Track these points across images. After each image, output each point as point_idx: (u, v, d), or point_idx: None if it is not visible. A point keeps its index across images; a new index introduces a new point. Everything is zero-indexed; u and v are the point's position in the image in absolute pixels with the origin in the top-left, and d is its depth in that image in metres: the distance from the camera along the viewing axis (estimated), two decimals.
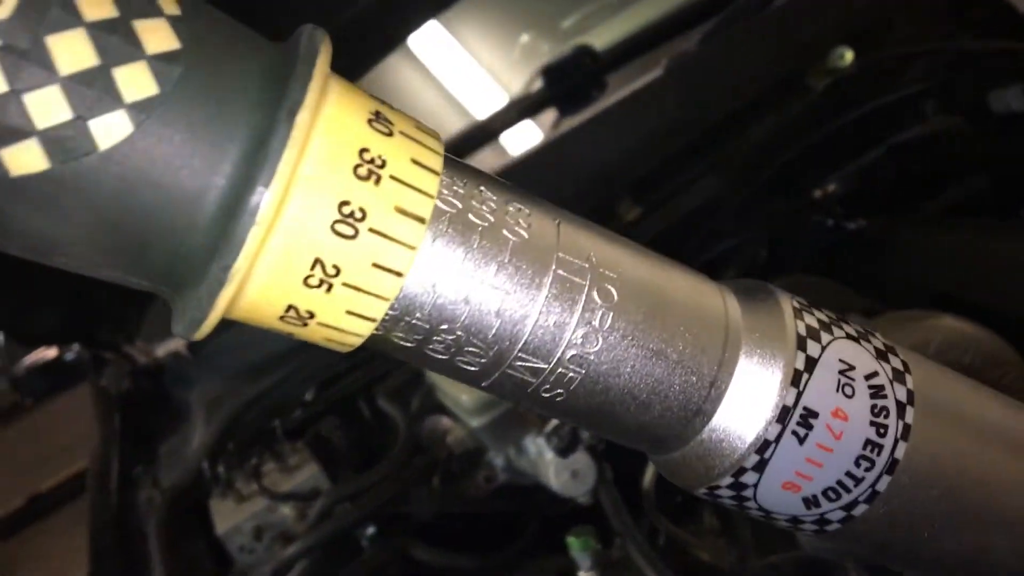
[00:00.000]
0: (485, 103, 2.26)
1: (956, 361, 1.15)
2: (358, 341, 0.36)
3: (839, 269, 1.45)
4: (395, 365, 1.45)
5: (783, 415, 0.40)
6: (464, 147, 1.80)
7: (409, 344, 0.37)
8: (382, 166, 0.34)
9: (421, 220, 0.34)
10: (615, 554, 1.23)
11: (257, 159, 0.31)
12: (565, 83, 1.70)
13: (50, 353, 1.56)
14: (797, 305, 0.42)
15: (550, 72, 1.70)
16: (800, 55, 1.55)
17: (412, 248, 0.34)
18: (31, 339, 1.45)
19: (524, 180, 1.38)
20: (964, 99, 1.54)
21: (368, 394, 1.46)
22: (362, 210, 0.33)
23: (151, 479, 1.45)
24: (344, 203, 0.33)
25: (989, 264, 1.33)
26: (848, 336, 0.42)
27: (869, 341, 0.43)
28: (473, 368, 0.38)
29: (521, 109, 1.77)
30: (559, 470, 1.26)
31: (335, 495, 1.34)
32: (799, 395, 0.40)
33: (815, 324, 0.42)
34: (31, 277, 1.40)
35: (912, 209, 1.53)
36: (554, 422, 1.27)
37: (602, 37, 1.86)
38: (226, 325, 0.36)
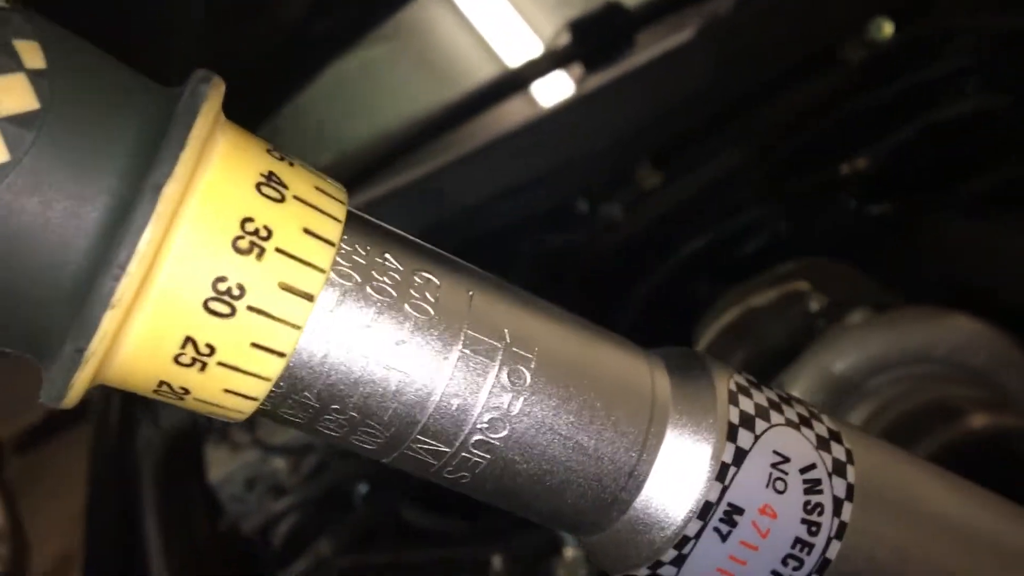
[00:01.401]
0: (517, 49, 2.20)
1: (967, 362, 1.12)
2: (242, 416, 0.33)
3: (862, 253, 1.40)
4: None
5: (705, 511, 0.37)
6: (492, 95, 1.75)
7: (300, 420, 0.34)
8: (267, 237, 0.30)
9: (309, 298, 0.31)
10: None
11: (117, 236, 0.28)
12: (592, 39, 1.64)
13: None
14: (734, 387, 0.39)
15: (578, 27, 1.65)
16: (838, 25, 1.49)
17: (297, 328, 0.31)
18: None
19: (544, 139, 1.35)
20: (1009, 78, 1.47)
21: None
22: (240, 287, 0.30)
23: (151, 419, 1.45)
24: (220, 279, 0.30)
25: (1017, 262, 1.28)
26: (788, 423, 0.39)
27: (812, 427, 0.39)
28: (370, 447, 0.35)
29: (549, 62, 1.72)
30: None
31: (329, 450, 1.33)
32: (724, 490, 0.37)
33: (751, 410, 0.38)
34: None
35: (944, 195, 1.47)
36: None
37: None
38: None
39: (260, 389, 0.32)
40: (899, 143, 1.44)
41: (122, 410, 1.46)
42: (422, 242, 0.36)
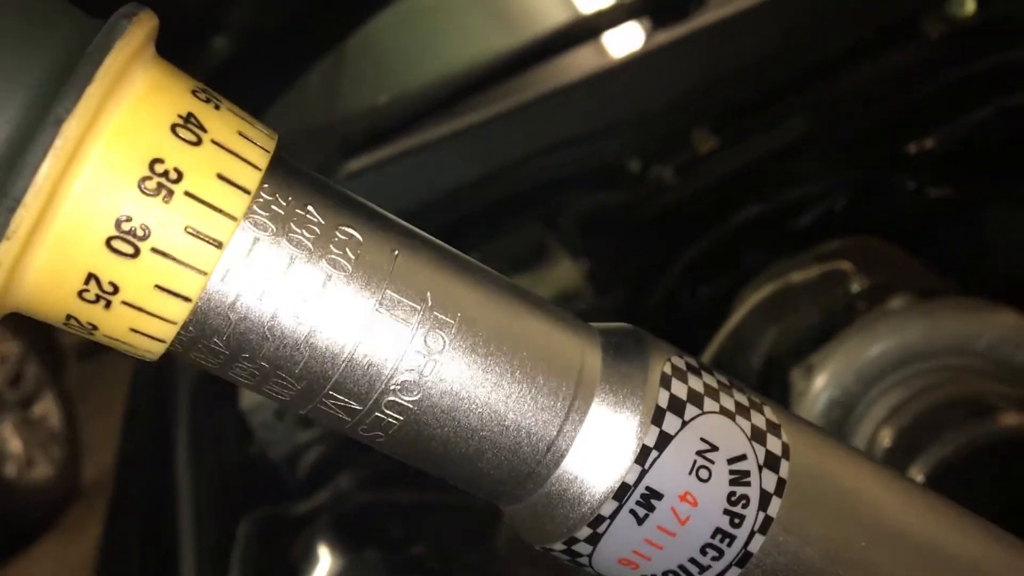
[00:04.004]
0: None
1: (1009, 359, 1.08)
2: (153, 356, 0.33)
3: (916, 238, 1.36)
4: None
5: (621, 492, 0.36)
6: (560, 43, 1.71)
7: (211, 365, 0.34)
8: (177, 180, 0.30)
9: (218, 244, 0.31)
10: None
11: (16, 169, 0.28)
12: None
13: None
14: (669, 370, 0.38)
15: None
16: None
17: (203, 273, 0.31)
18: None
19: (607, 92, 1.32)
20: None
21: None
22: (145, 227, 0.30)
23: None
24: (124, 219, 0.29)
25: None
26: (723, 411, 0.38)
27: (749, 417, 0.38)
28: (283, 397, 0.35)
29: (620, 13, 1.67)
30: None
31: None
32: (643, 473, 0.36)
33: (683, 395, 0.37)
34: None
35: (1011, 184, 1.41)
36: None
37: None
38: None
39: (167, 331, 0.32)
40: (969, 126, 1.39)
41: None
42: (355, 197, 0.35)
